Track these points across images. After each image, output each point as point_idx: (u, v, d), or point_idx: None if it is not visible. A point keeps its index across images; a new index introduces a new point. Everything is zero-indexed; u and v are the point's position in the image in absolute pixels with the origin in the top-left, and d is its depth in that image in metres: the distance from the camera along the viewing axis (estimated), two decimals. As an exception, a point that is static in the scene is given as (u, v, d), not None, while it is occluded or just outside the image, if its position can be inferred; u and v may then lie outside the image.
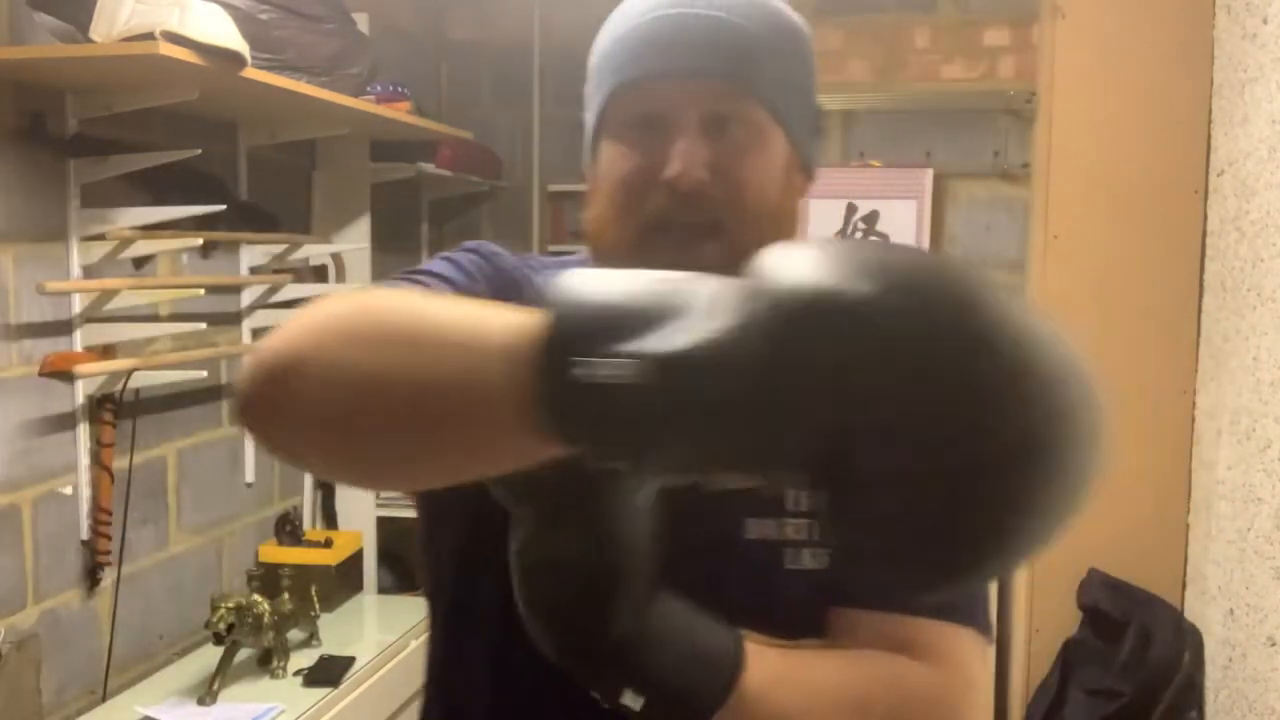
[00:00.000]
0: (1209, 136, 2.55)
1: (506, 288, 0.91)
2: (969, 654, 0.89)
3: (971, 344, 0.50)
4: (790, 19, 0.90)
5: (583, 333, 0.55)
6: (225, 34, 2.04)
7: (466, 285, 0.88)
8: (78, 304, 2.17)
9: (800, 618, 0.87)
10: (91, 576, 2.25)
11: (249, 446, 2.78)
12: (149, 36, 1.93)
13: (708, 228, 0.85)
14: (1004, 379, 0.50)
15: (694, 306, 0.54)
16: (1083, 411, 0.53)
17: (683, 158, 0.83)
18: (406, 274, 0.89)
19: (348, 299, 0.67)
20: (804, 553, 0.87)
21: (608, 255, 0.88)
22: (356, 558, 3.01)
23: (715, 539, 0.87)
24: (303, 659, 2.46)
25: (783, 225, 0.88)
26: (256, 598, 2.33)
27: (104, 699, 2.28)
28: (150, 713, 2.20)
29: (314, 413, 0.63)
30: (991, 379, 0.50)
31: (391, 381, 0.61)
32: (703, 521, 0.86)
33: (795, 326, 0.51)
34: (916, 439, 0.50)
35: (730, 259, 0.76)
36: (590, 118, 0.91)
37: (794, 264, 0.53)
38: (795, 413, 0.51)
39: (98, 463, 2.23)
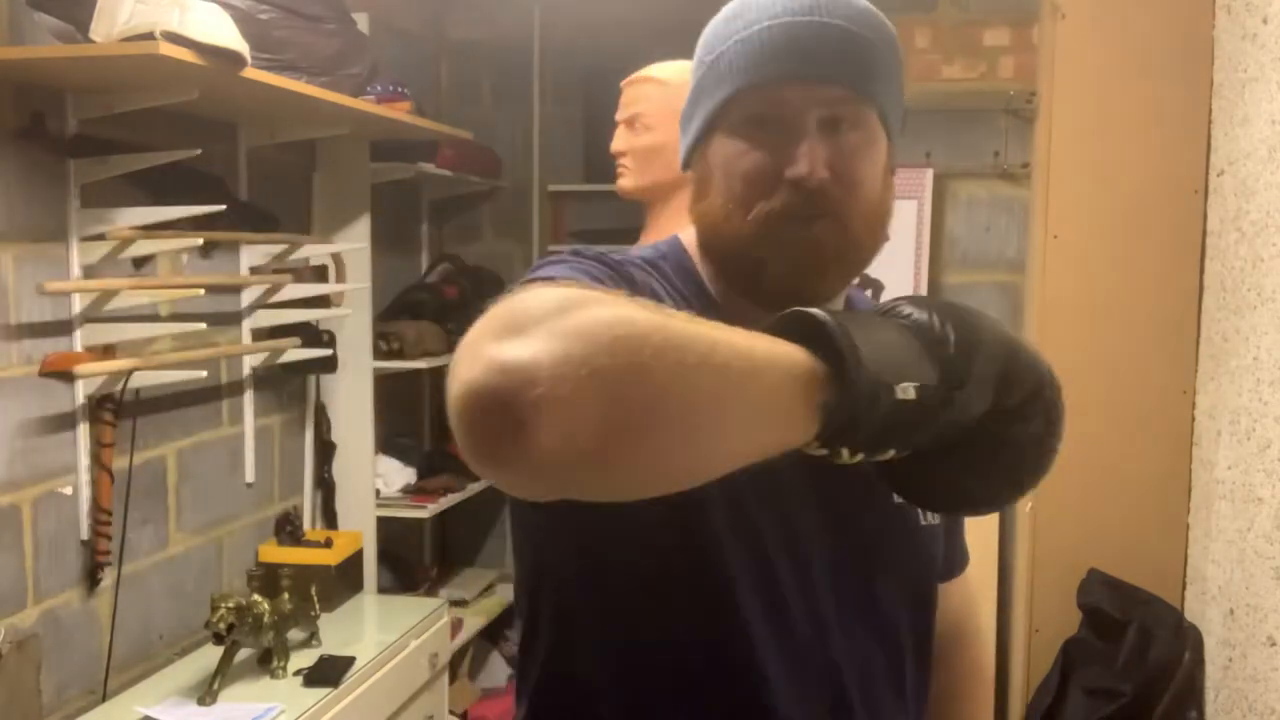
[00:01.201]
0: (1209, 136, 2.55)
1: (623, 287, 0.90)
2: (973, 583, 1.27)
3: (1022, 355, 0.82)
4: (892, 29, 0.96)
5: (873, 365, 0.72)
6: (225, 34, 2.04)
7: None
8: (78, 304, 2.17)
9: (931, 566, 1.09)
10: (91, 576, 2.25)
11: (249, 446, 2.78)
12: (149, 36, 1.92)
13: (823, 217, 0.92)
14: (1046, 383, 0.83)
15: (941, 345, 0.77)
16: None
17: (808, 157, 0.90)
18: (543, 276, 0.86)
19: (573, 310, 0.66)
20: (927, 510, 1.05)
21: (726, 242, 0.95)
22: (356, 558, 3.01)
23: (873, 501, 1.00)
24: (303, 659, 2.46)
25: (881, 219, 0.97)
26: (256, 598, 2.33)
27: (104, 699, 2.28)
28: (150, 713, 2.20)
29: (591, 424, 0.64)
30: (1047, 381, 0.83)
31: (693, 395, 0.67)
32: (861, 486, 0.95)
33: (994, 359, 0.80)
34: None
35: (839, 241, 0.95)
36: (701, 114, 0.97)
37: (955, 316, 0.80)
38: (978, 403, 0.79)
39: (98, 463, 2.23)
